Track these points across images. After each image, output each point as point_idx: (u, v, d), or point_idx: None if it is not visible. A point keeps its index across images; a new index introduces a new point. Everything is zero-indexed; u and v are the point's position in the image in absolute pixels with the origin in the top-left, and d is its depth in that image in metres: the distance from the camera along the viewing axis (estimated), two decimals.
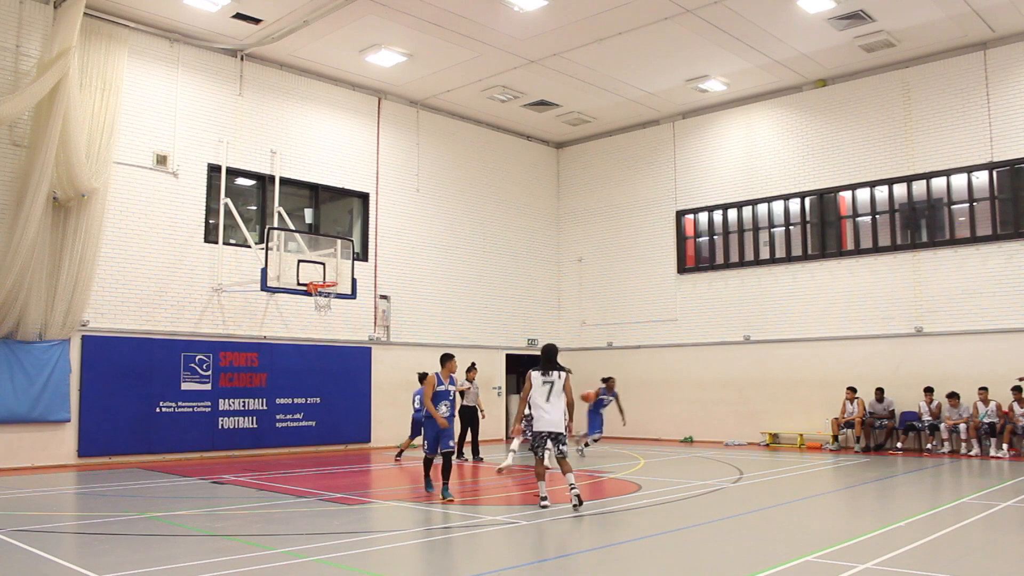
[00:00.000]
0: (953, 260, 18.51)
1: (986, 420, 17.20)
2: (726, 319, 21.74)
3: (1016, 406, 16.98)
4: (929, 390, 18.07)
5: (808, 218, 20.82)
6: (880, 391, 18.79)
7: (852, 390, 19.04)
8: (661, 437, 22.45)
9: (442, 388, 11.30)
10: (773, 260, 21.28)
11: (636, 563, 7.34)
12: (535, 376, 10.18)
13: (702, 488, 12.29)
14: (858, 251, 19.93)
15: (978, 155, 18.35)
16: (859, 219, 20.09)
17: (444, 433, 11.19)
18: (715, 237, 22.50)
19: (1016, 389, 16.91)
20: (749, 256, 21.76)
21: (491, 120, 23.82)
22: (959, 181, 18.72)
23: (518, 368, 23.70)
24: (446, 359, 11.47)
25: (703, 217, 22.79)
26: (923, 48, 18.78)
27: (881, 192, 19.75)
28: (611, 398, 17.91)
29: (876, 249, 19.67)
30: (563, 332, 25.03)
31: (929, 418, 18.08)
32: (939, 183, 18.99)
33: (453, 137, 23.17)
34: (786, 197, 21.16)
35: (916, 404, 18.41)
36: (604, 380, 18.09)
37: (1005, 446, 16.79)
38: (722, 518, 9.80)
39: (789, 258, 20.99)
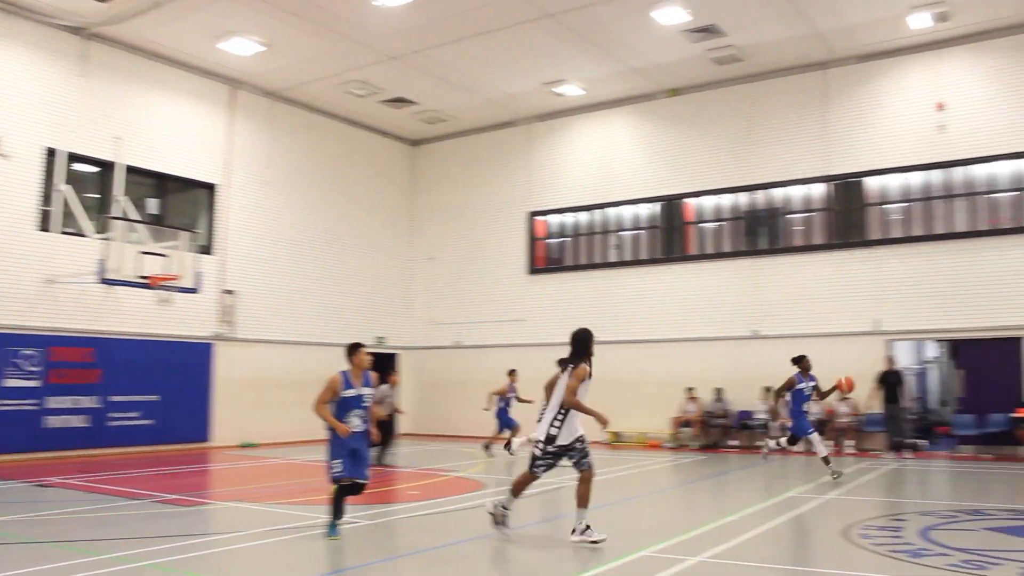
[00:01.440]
0: (789, 267, 19.95)
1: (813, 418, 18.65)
2: (574, 320, 22.44)
3: (839, 406, 18.51)
4: (766, 390, 19.37)
5: (656, 223, 21.89)
6: (718, 391, 20.01)
7: (691, 390, 20.22)
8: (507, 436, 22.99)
9: (352, 393, 8.34)
10: (622, 263, 22.30)
11: (471, 562, 7.75)
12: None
13: (546, 486, 12.81)
14: (702, 256, 21.18)
15: (815, 168, 19.82)
16: (704, 225, 21.33)
17: (362, 456, 8.38)
18: (566, 239, 23.34)
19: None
20: (599, 259, 22.70)
21: (348, 115, 23.83)
22: (797, 192, 20.23)
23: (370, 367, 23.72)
24: (355, 350, 8.52)
25: (555, 219, 23.58)
26: (768, 64, 20.08)
27: (725, 200, 21.07)
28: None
29: (719, 255, 20.96)
30: (413, 331, 25.30)
31: (765, 416, 19.39)
32: (779, 193, 20.42)
33: (308, 131, 23.06)
34: (636, 202, 22.21)
35: (753, 403, 19.69)
36: (509, 373, 18.52)
37: (828, 442, 18.27)
38: (561, 516, 10.23)
39: (637, 261, 22.07)
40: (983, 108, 18.32)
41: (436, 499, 11.55)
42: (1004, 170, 18.24)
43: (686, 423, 20.26)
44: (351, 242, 24.01)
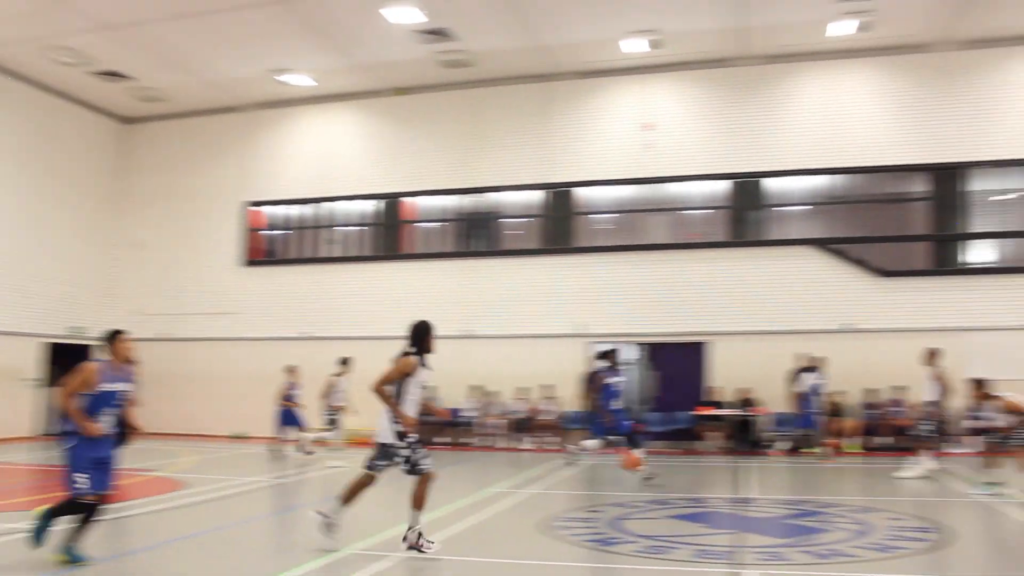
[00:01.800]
0: (503, 269, 20.73)
1: (518, 416, 19.41)
2: (290, 314, 22.02)
3: (544, 403, 19.39)
4: (476, 388, 19.89)
5: (376, 220, 21.96)
6: (431, 388, 20.25)
7: None
8: (214, 433, 21.96)
9: (108, 388, 7.01)
10: (340, 259, 22.13)
11: (170, 565, 7.28)
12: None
13: (249, 485, 12.31)
14: (420, 256, 21.50)
15: (533, 176, 20.77)
16: (423, 225, 21.70)
17: (108, 464, 7.09)
18: (284, 232, 22.83)
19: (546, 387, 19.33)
20: (317, 253, 22.38)
21: (52, 84, 21.85)
22: (515, 198, 21.09)
23: (64, 359, 21.72)
24: (114, 337, 7.23)
25: (274, 211, 22.99)
26: (495, 72, 20.87)
27: (445, 201, 21.56)
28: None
29: (436, 255, 21.40)
30: (116, 321, 23.45)
31: (473, 414, 19.88)
32: (497, 198, 21.18)
33: (2, 97, 20.89)
34: (358, 198, 22.18)
35: (462, 401, 20.11)
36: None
37: (533, 439, 19.06)
38: (267, 514, 9.97)
39: (356, 258, 21.99)
40: (684, 131, 20.19)
41: (139, 499, 10.71)
42: (699, 189, 20.18)
43: None
44: (47, 223, 21.90)
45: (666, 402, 19.84)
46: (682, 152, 20.06)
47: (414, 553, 7.51)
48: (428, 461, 7.67)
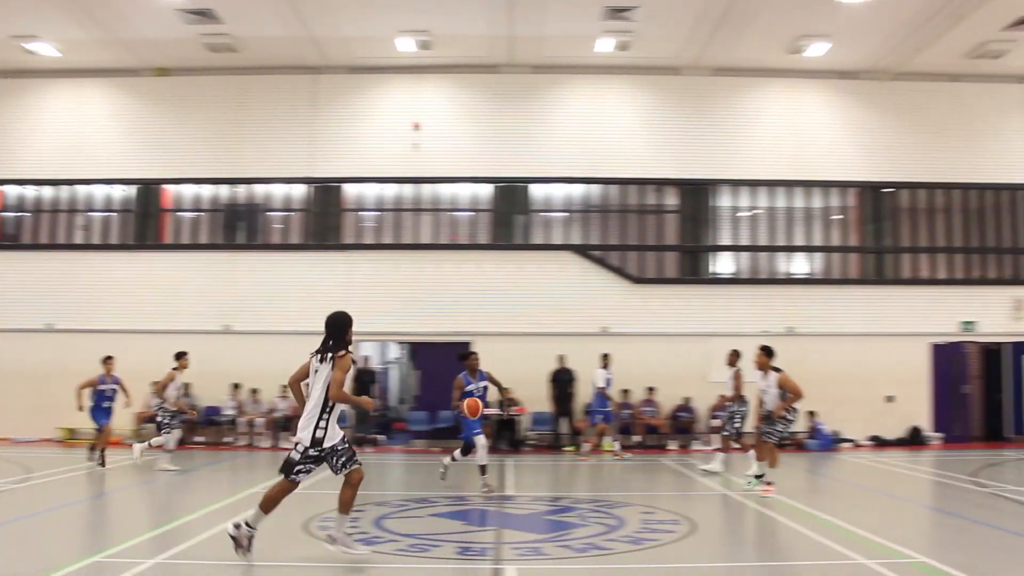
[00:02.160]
0: (265, 264, 20.32)
1: (281, 414, 19.15)
2: (29, 305, 20.50)
3: (279, 402, 19.29)
4: (236, 386, 19.41)
5: (130, 207, 20.97)
6: (186, 386, 19.51)
7: (156, 383, 19.42)
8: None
9: None
10: (89, 246, 20.85)
11: None
12: (312, 361, 7.67)
13: None
14: (178, 246, 20.67)
15: (299, 169, 20.50)
16: (182, 214, 20.91)
17: None
18: (27, 214, 21.28)
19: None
20: (63, 239, 21.01)
21: None
22: (279, 191, 20.74)
23: None
24: None
25: (14, 191, 21.39)
26: (263, 60, 20.41)
27: (206, 190, 20.89)
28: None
29: (195, 246, 20.63)
30: None
31: (233, 412, 19.40)
32: (261, 190, 20.79)
33: None
34: (110, 182, 21.03)
35: (222, 399, 19.58)
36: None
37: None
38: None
39: (107, 246, 20.82)
40: (452, 134, 20.59)
41: None
42: (464, 191, 20.67)
43: (151, 418, 19.41)
44: None
45: (429, 401, 20.18)
46: (450, 154, 20.45)
47: (151, 559, 7.36)
48: (356, 463, 7.52)
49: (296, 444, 7.33)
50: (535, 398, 19.31)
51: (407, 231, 20.62)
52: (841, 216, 21.42)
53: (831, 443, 18.92)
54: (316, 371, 7.45)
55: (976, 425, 21.65)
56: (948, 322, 20.95)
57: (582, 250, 20.41)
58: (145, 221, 20.85)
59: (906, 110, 21.35)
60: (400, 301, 19.99)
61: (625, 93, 21.00)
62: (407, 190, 20.69)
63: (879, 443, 19.32)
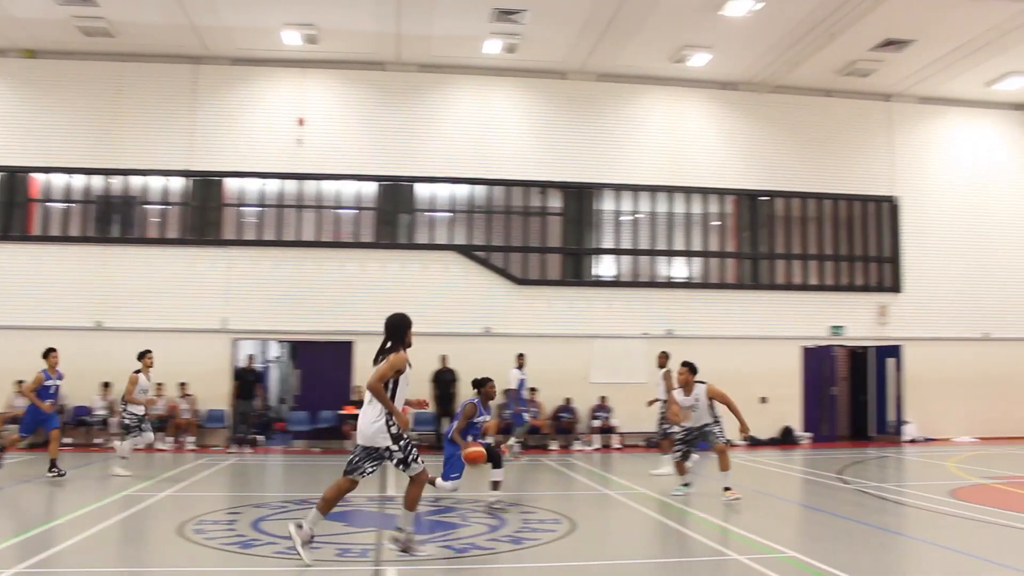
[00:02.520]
0: (141, 258, 19.92)
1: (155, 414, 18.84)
2: None
3: (181, 401, 19.01)
4: (107, 385, 19.00)
5: None
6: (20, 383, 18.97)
7: (20, 383, 18.85)
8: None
9: None
10: None
11: None
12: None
13: None
14: (46, 238, 20.07)
15: (177, 162, 20.18)
16: (51, 205, 20.31)
17: None
18: None
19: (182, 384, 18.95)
20: None
21: None
22: (156, 183, 20.36)
23: None
24: None
25: None
26: (141, 46, 19.99)
27: (78, 181, 20.32)
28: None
29: (65, 238, 20.06)
30: None
31: (104, 412, 18.99)
32: (137, 181, 20.36)
33: None
34: None
35: (92, 399, 19.13)
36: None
37: (171, 438, 18.63)
38: None
39: None
40: (337, 130, 20.63)
41: None
42: (349, 189, 20.72)
43: (14, 419, 18.81)
44: None
45: (310, 401, 20.17)
46: (335, 151, 20.49)
47: (10, 568, 7.22)
48: (421, 461, 7.55)
49: (387, 449, 7.48)
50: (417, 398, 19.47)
51: (289, 228, 20.52)
52: (719, 222, 22.35)
53: (705, 445, 19.68)
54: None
55: (843, 425, 22.96)
56: (818, 326, 22.13)
57: (466, 250, 20.73)
58: (10, 211, 20.14)
59: (782, 122, 22.45)
60: (281, 299, 19.93)
61: (512, 95, 21.42)
62: (290, 186, 20.59)
63: (753, 443, 20.21)
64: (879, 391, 22.64)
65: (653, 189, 21.72)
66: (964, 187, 23.42)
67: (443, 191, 21.06)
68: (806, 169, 22.48)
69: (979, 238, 23.31)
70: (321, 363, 20.23)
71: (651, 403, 16.11)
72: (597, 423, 20.16)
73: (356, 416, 17.36)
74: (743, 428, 11.45)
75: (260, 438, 19.69)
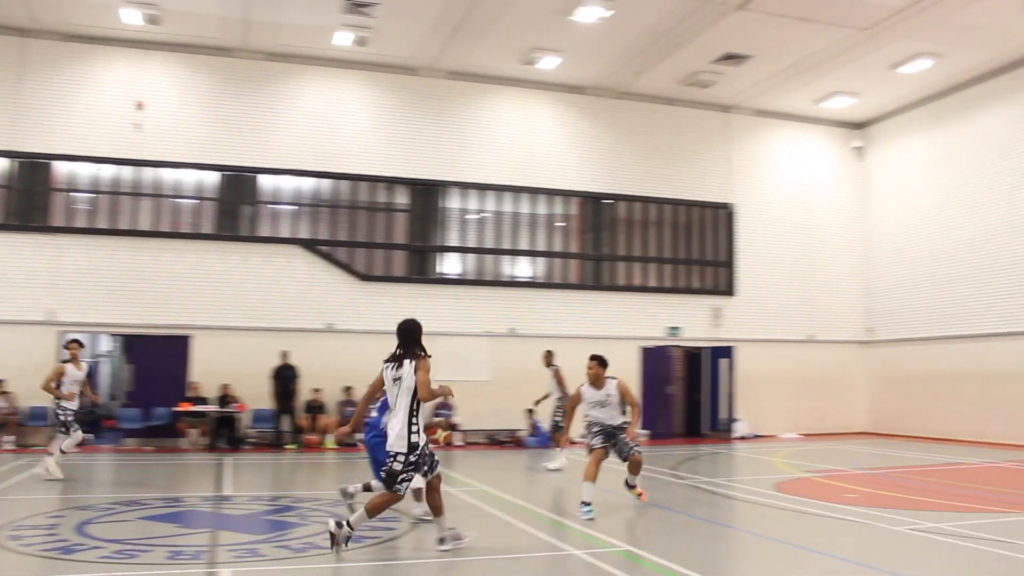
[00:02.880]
0: None
1: None
2: None
3: (2, 400, 18.22)
4: None
5: None
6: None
7: None
8: None
9: None
10: None
11: None
12: (384, 370, 7.89)
13: None
14: None
15: (2, 142, 19.25)
16: None
17: None
18: None
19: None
20: None
21: None
22: None
23: None
24: None
25: None
26: None
27: None
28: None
29: None
30: None
31: None
32: None
33: None
34: None
35: None
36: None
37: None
38: None
39: None
40: (178, 116, 20.16)
41: None
42: (189, 178, 20.30)
43: None
44: None
45: (143, 397, 19.68)
46: (175, 137, 20.03)
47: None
48: (406, 486, 7.84)
49: (396, 455, 7.63)
50: (256, 395, 19.41)
51: (124, 216, 19.91)
52: (563, 223, 23.09)
53: (548, 440, 20.31)
54: (396, 379, 7.72)
55: (678, 422, 24.15)
56: (656, 327, 23.22)
57: (310, 245, 20.69)
58: None
59: (626, 127, 23.41)
60: (114, 290, 19.35)
61: (361, 89, 21.50)
62: (126, 172, 19.99)
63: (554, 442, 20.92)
64: (713, 390, 23.95)
65: (500, 188, 22.24)
66: (793, 197, 25.06)
67: (288, 183, 20.90)
68: (648, 174, 23.52)
69: (805, 246, 25.00)
70: (155, 358, 19.77)
71: (539, 401, 16.66)
72: (439, 420, 20.47)
73: (192, 414, 17.28)
74: (632, 435, 10.62)
75: (88, 436, 19.03)
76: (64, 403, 13.16)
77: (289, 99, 20.91)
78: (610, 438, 10.57)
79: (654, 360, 23.24)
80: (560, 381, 15.87)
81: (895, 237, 24.73)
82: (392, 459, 7.68)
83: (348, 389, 20.05)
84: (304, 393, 19.70)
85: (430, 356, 7.81)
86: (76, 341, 13.56)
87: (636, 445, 10.63)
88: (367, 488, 9.81)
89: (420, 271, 21.62)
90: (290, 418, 19.48)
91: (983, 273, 21.77)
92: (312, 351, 19.83)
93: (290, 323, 20.10)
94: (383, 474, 7.82)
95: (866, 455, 19.19)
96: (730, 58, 20.94)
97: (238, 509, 10.79)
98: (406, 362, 7.68)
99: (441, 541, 8.04)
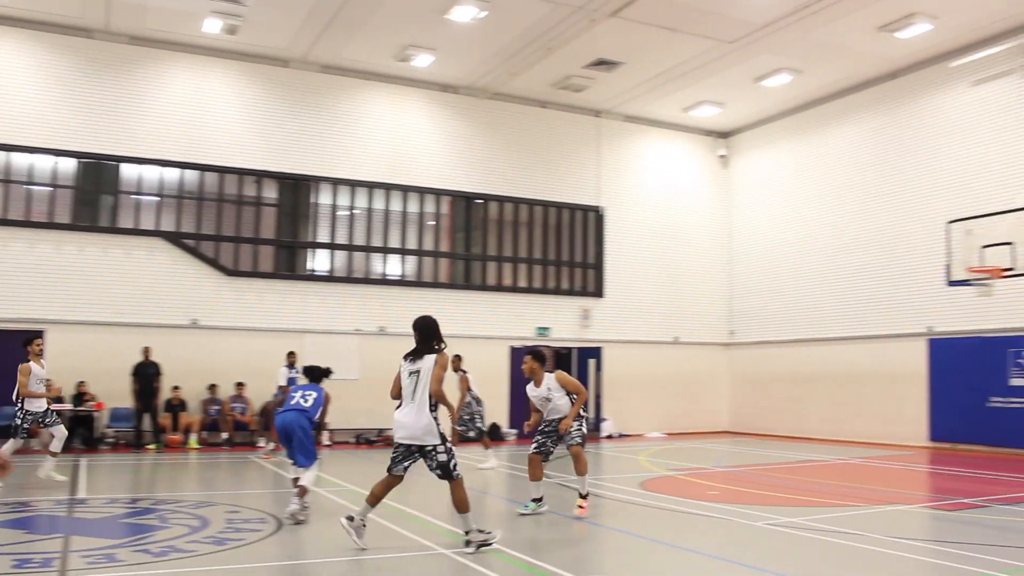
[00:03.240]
0: None
1: None
2: None
3: None
4: None
5: None
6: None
7: None
8: None
9: None
10: None
11: None
12: (402, 366, 8.24)
13: None
14: None
15: None
16: None
17: None
18: None
19: None
20: None
21: None
22: None
23: None
24: None
25: None
26: None
27: None
28: None
29: None
30: None
31: None
32: None
33: None
34: None
35: None
36: None
37: None
38: None
39: None
40: (32, 98, 19.36)
41: None
42: (44, 164, 19.50)
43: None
44: None
45: None
46: (28, 121, 19.17)
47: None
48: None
49: (434, 448, 8.03)
50: (115, 392, 18.90)
51: None
52: (434, 222, 23.34)
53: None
54: (413, 372, 8.12)
55: None
56: (526, 327, 23.74)
57: (174, 238, 20.26)
58: None
59: (499, 128, 23.88)
60: None
61: (230, 79, 21.19)
62: None
63: (461, 439, 21.21)
64: None
65: (371, 185, 22.32)
66: (661, 202, 26.06)
67: (151, 173, 20.35)
68: (520, 175, 24.05)
69: (672, 250, 26.04)
70: (5, 354, 18.92)
71: (462, 405, 16.70)
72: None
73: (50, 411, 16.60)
74: (565, 425, 10.58)
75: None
76: (28, 404, 12.57)
77: (154, 86, 20.43)
78: (550, 436, 10.79)
79: (523, 360, 23.63)
80: (466, 386, 16.13)
81: (757, 243, 26.04)
82: (436, 452, 8.08)
83: (213, 387, 19.74)
84: (166, 391, 19.28)
85: (446, 346, 8.21)
86: (38, 336, 13.17)
87: (572, 435, 10.60)
88: (300, 489, 9.89)
89: (289, 267, 21.47)
90: (152, 417, 19.02)
91: (837, 280, 23.20)
92: (175, 347, 19.46)
93: (152, 318, 19.65)
94: (438, 473, 8.14)
95: (727, 453, 20.09)
96: (602, 64, 21.64)
97: (94, 512, 10.47)
98: (426, 356, 8.10)
99: (468, 544, 8.26)
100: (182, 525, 9.49)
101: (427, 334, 8.22)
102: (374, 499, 8.30)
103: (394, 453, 8.25)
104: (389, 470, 8.26)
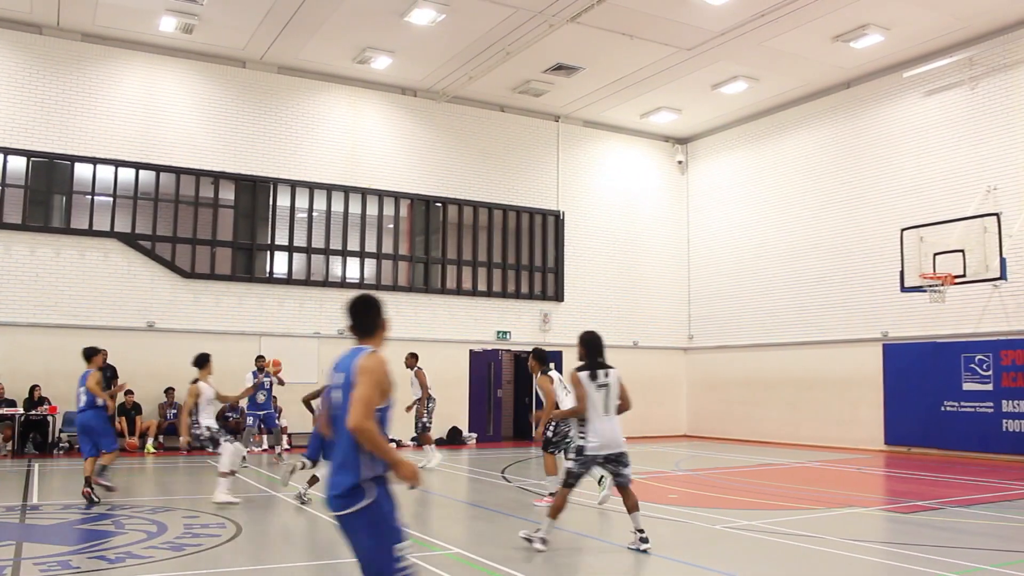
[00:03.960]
0: None
1: None
2: None
3: None
4: None
5: None
6: None
7: None
8: None
9: None
10: None
11: None
12: (584, 379, 8.67)
13: None
14: None
15: None
16: None
17: None
18: None
19: None
20: None
21: None
22: None
23: None
24: None
25: None
26: None
27: None
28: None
29: None
30: None
31: None
32: None
33: None
34: None
35: None
36: None
37: None
38: None
39: None
40: None
41: None
42: None
43: None
44: None
45: None
46: None
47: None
48: None
49: (621, 455, 8.81)
50: (69, 396, 18.86)
51: None
52: (393, 225, 23.66)
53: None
54: (600, 387, 8.88)
55: (507, 426, 25.14)
56: (485, 331, 24.17)
57: (129, 239, 20.37)
58: None
59: (458, 131, 24.31)
60: None
61: (186, 79, 21.35)
62: None
63: (420, 443, 21.50)
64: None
65: (330, 188, 22.61)
66: (620, 207, 26.68)
67: (106, 173, 20.39)
68: (480, 179, 24.50)
69: (631, 254, 26.66)
70: None
71: (409, 408, 16.94)
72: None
73: None
74: (537, 435, 11.80)
75: None
76: None
77: (109, 84, 20.51)
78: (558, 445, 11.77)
79: (483, 363, 24.16)
80: (423, 383, 16.51)
81: (714, 248, 26.75)
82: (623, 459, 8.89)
83: (169, 391, 19.89)
84: (121, 395, 19.35)
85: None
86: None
87: (544, 442, 11.59)
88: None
89: (247, 270, 21.65)
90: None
91: (794, 286, 23.96)
92: (131, 350, 19.59)
93: (107, 321, 19.75)
94: (629, 476, 8.88)
95: (686, 457, 20.60)
96: (561, 69, 22.17)
97: (47, 519, 10.48)
98: (609, 372, 8.90)
99: (529, 540, 8.91)
100: (139, 531, 9.51)
101: (594, 350, 8.96)
102: (558, 509, 8.83)
103: (581, 465, 8.76)
104: (572, 485, 8.79)
